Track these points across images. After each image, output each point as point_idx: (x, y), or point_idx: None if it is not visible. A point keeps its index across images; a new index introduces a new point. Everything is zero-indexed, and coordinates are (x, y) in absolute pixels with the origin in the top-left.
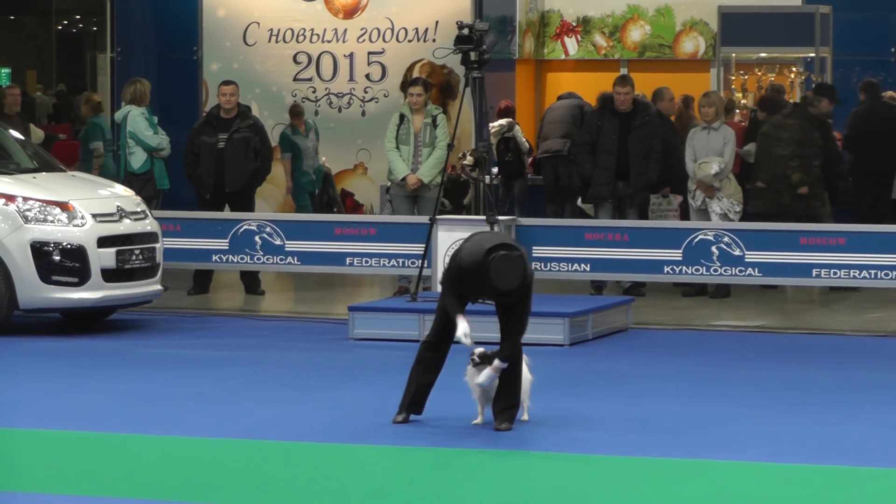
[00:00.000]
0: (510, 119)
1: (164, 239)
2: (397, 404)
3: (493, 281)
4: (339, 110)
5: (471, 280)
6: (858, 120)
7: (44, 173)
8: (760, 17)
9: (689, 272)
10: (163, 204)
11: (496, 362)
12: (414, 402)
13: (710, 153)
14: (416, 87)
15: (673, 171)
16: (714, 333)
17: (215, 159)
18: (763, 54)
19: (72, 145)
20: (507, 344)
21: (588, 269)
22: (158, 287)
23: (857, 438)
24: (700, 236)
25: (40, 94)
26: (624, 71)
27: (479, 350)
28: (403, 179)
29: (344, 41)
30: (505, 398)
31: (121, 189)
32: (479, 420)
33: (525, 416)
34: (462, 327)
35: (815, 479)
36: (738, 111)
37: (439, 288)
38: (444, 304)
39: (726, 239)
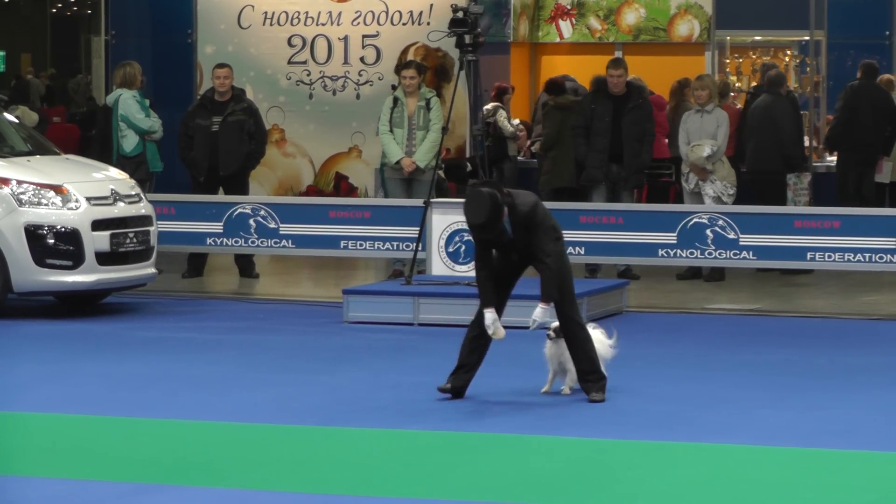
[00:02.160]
0: (497, 103)
1: (159, 222)
2: (392, 387)
3: (466, 215)
4: (334, 93)
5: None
6: (852, 94)
7: (38, 156)
8: (755, 1)
9: (684, 255)
10: (157, 187)
11: (540, 304)
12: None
13: (703, 136)
14: (409, 70)
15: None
16: (709, 317)
17: (209, 142)
18: (758, 37)
19: (66, 128)
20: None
21: (583, 252)
22: (153, 270)
23: (851, 422)
24: (695, 219)
25: (32, 77)
26: (618, 54)
27: (555, 324)
28: (398, 163)
29: (338, 24)
30: (587, 367)
31: (115, 172)
32: (546, 388)
33: (565, 388)
34: (489, 317)
35: (809, 463)
36: (732, 94)
37: (433, 271)
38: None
39: (721, 222)
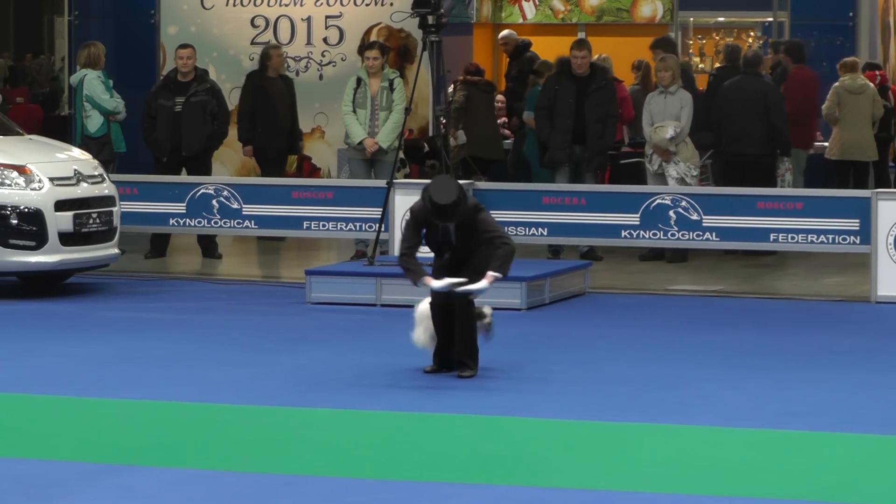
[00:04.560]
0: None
1: (122, 203)
2: (354, 367)
3: (433, 197)
4: (297, 74)
5: (423, 221)
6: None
7: (1, 137)
8: None
9: (647, 237)
10: (119, 167)
11: (489, 274)
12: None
13: (666, 117)
14: (372, 51)
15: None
16: (671, 298)
17: (172, 123)
18: (721, 18)
19: (29, 108)
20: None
21: (545, 233)
22: (115, 251)
23: (814, 403)
24: (657, 201)
25: None
26: (582, 35)
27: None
28: (360, 143)
29: (301, 5)
30: (463, 345)
31: (78, 153)
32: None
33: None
34: (439, 283)
35: (772, 444)
36: (695, 75)
37: (396, 252)
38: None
39: (684, 203)
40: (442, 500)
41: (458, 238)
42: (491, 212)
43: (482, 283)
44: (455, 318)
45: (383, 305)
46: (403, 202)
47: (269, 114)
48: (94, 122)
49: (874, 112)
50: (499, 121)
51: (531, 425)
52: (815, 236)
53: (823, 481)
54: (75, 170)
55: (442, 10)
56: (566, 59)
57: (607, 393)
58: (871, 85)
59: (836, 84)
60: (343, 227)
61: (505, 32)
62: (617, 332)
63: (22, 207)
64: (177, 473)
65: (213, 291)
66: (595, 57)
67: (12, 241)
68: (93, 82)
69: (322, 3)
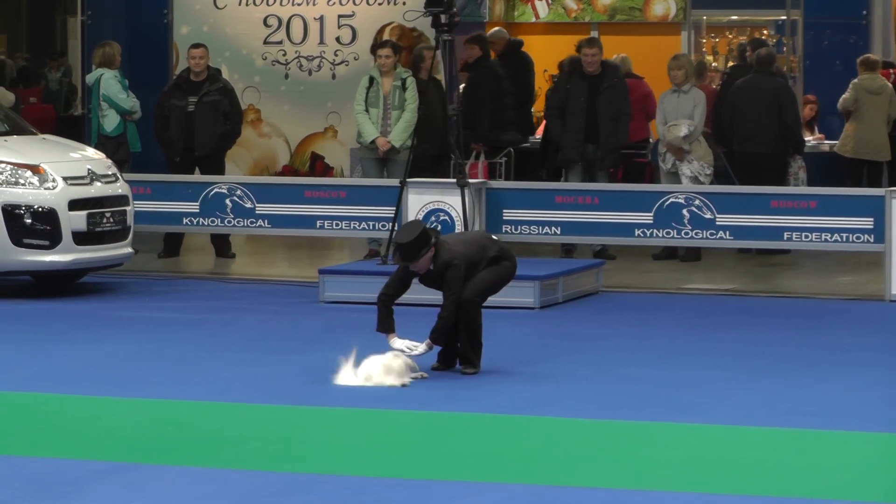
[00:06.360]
0: None
1: (135, 202)
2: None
3: (395, 235)
4: (309, 73)
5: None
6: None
7: (15, 136)
8: None
9: (660, 235)
10: (133, 167)
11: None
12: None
13: (679, 116)
14: (384, 49)
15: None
16: (684, 297)
17: (185, 122)
18: (734, 17)
19: (42, 108)
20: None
21: (558, 232)
22: (129, 250)
23: (827, 402)
24: (671, 199)
25: (3, 58)
26: (594, 34)
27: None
28: (373, 142)
29: (314, 4)
30: (467, 342)
31: (91, 152)
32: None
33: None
34: (397, 343)
35: (785, 443)
36: (709, 73)
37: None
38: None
39: (697, 202)
40: (454, 499)
41: (439, 286)
42: (504, 211)
43: (422, 348)
44: (459, 321)
45: (396, 305)
46: (416, 201)
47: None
48: (110, 122)
49: (890, 112)
50: None
51: (544, 424)
52: (829, 235)
53: (837, 479)
54: (89, 169)
55: (454, 9)
56: (577, 59)
57: (620, 392)
58: (890, 85)
59: (856, 81)
60: (356, 226)
61: (494, 30)
62: (630, 331)
63: (36, 207)
64: (189, 472)
65: (227, 291)
66: (613, 57)
67: (26, 241)
68: (109, 82)
69: (335, 3)
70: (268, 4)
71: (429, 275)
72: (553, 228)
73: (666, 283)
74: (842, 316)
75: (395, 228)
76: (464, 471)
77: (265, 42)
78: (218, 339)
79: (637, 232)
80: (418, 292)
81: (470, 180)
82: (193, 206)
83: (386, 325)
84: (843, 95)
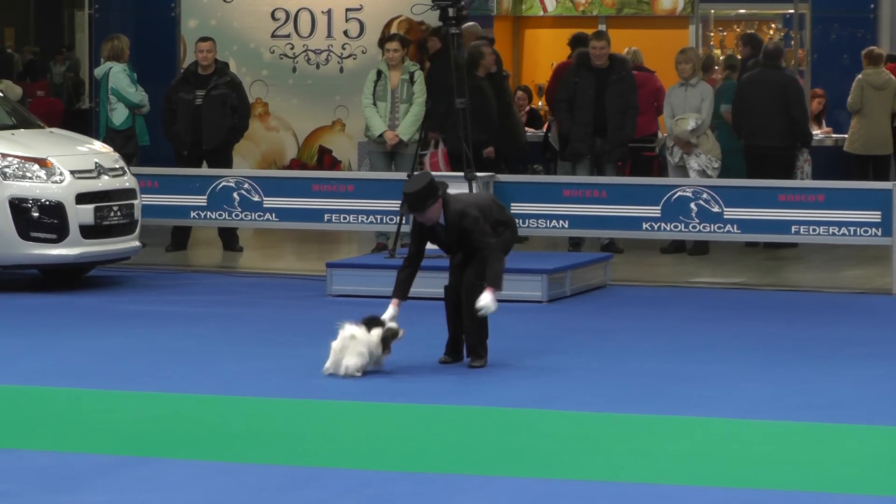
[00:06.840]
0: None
1: (143, 195)
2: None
3: (404, 186)
4: (317, 67)
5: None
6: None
7: (22, 130)
8: None
9: (668, 229)
10: (140, 160)
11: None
12: None
13: (687, 109)
14: (392, 43)
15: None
16: (692, 290)
17: (192, 116)
18: (742, 11)
19: (50, 102)
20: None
21: (566, 225)
22: (136, 243)
23: (835, 395)
24: (679, 193)
25: (10, 52)
26: (602, 27)
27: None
28: (381, 136)
29: None
30: (473, 335)
31: (99, 145)
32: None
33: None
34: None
35: (793, 436)
36: (716, 67)
37: None
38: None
39: (705, 195)
40: (462, 492)
41: (453, 242)
42: (512, 204)
43: (486, 299)
44: (462, 308)
45: (409, 298)
46: None
47: (482, 113)
48: (119, 115)
49: (894, 106)
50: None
51: (552, 417)
52: (837, 228)
53: (844, 473)
54: (96, 163)
55: (462, 3)
56: (585, 52)
57: (628, 385)
58: (894, 79)
59: (860, 76)
60: (364, 219)
61: (467, 24)
62: (638, 325)
63: (43, 200)
64: (198, 466)
65: (234, 284)
66: (624, 51)
67: (33, 234)
68: (118, 75)
69: None
70: None
71: (443, 231)
72: (561, 222)
73: (674, 277)
74: (849, 309)
75: (403, 222)
76: (471, 464)
77: (273, 35)
78: (226, 332)
79: (645, 225)
80: (421, 287)
81: (477, 174)
82: (201, 200)
83: (396, 291)
84: (850, 97)
